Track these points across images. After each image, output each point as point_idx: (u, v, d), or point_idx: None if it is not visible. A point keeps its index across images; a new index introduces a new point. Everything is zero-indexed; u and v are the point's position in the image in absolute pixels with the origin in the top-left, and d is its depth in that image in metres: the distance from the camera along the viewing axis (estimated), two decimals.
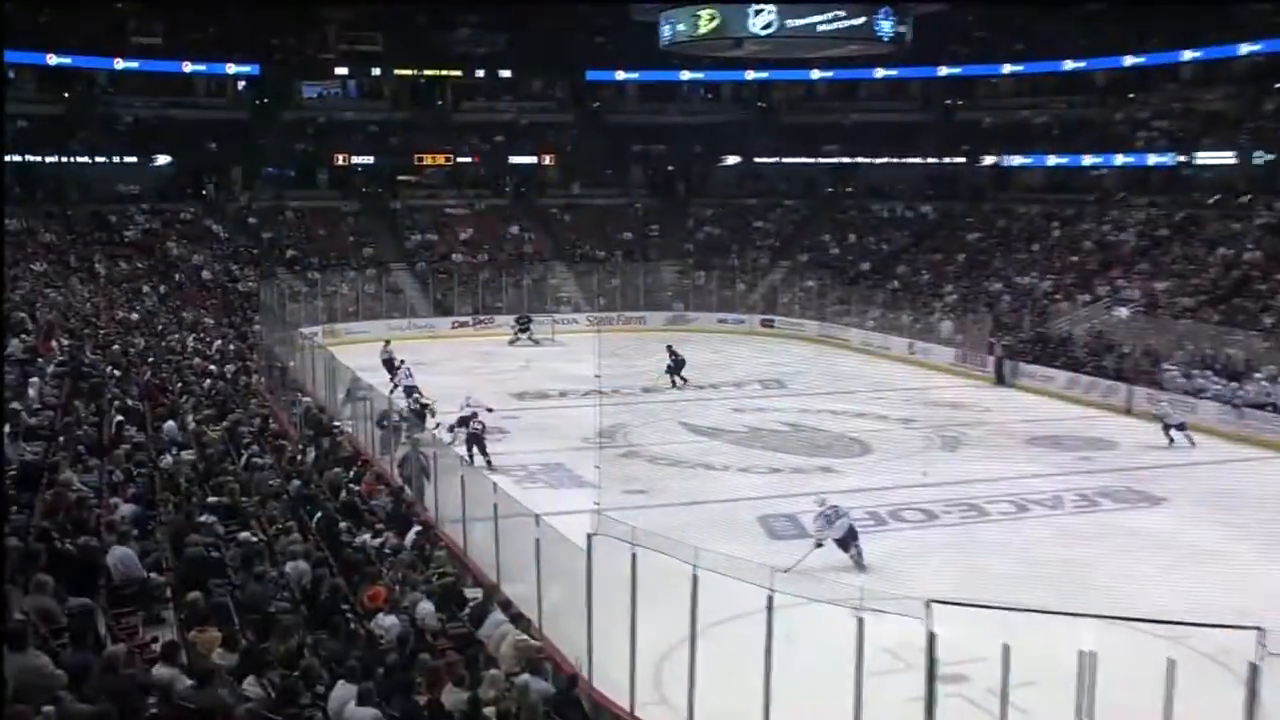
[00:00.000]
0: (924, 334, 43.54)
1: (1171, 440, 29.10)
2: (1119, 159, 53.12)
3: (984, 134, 58.95)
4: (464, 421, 25.54)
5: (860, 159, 60.77)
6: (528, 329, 45.13)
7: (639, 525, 12.28)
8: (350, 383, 25.15)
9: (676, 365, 35.68)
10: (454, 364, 38.49)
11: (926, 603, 9.87)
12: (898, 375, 39.25)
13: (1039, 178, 56.77)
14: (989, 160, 57.86)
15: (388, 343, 36.56)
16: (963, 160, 58.59)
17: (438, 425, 25.71)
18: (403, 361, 31.68)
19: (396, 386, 28.63)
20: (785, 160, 61.58)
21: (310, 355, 29.50)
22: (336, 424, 23.74)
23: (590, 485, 22.15)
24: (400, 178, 60.20)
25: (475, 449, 24.70)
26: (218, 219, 54.04)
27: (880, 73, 60.96)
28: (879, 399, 34.22)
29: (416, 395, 27.99)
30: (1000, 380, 38.46)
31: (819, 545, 18.26)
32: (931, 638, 9.90)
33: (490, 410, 26.47)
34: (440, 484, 18.63)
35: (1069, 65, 57.02)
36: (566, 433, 28.64)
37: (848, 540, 18.67)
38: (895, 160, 59.54)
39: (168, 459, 18.49)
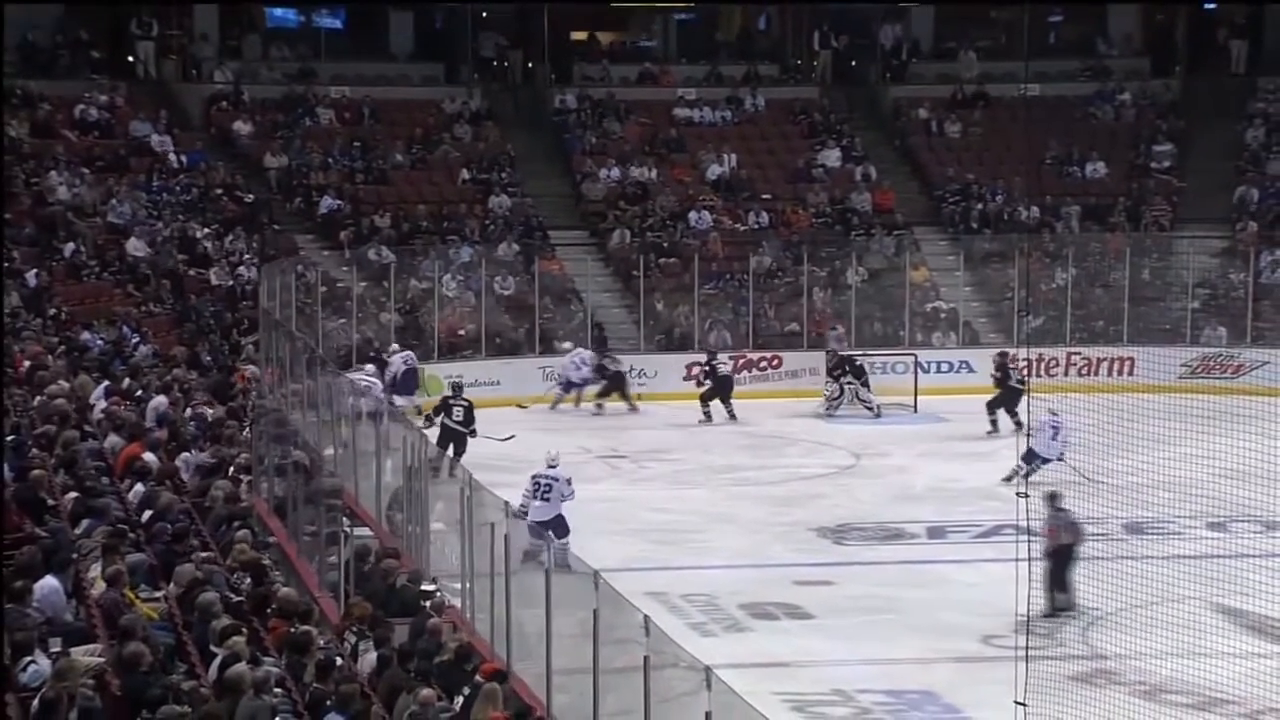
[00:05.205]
0: None
1: None
2: None
3: None
4: (600, 369, 28.24)
5: None
6: (855, 380, 31.44)
7: None
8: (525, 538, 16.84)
9: (717, 387, 29.42)
10: (678, 462, 27.72)
11: None
12: None
13: None
14: None
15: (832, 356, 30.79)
16: None
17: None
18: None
19: None
20: None
21: (387, 436, 21.20)
22: (431, 587, 16.59)
23: None
24: (576, 36, 42.77)
25: (619, 392, 27.67)
26: (163, 119, 38.80)
27: None
28: None
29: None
30: None
31: (522, 516, 17.40)
32: None
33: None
34: None
35: None
36: (949, 621, 19.82)
37: (557, 527, 17.31)
38: None
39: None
